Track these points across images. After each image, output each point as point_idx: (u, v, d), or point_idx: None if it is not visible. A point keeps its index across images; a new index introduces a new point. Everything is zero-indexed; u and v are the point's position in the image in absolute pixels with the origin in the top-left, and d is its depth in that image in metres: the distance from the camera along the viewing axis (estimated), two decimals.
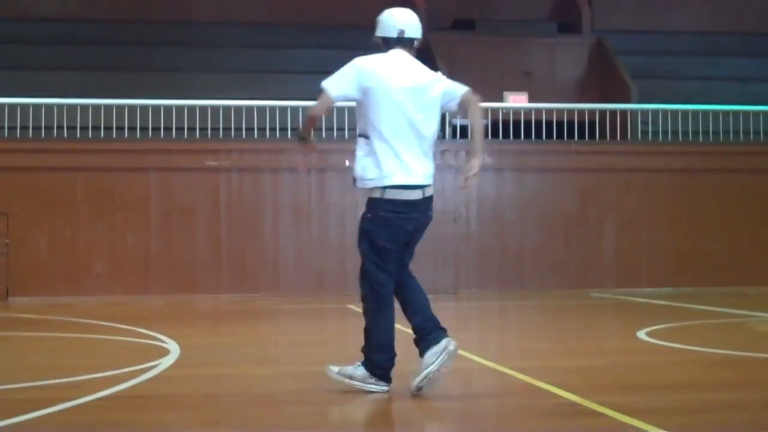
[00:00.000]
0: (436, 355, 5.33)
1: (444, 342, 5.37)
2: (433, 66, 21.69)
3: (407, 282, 5.67)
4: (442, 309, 14.18)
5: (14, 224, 15.74)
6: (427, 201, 5.63)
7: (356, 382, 5.51)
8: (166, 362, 7.15)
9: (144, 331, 9.70)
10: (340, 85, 5.68)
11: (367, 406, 5.30)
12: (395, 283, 5.62)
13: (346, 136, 17.16)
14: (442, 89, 5.79)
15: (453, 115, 18.23)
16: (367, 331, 5.56)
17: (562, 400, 5.43)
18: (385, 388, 5.48)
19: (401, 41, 5.76)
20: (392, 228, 5.51)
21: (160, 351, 7.85)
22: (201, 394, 5.88)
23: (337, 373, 5.62)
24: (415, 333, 5.52)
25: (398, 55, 5.73)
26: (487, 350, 8.10)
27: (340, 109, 17.12)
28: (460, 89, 5.90)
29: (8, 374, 6.59)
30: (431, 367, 5.32)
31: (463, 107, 5.92)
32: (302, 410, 5.28)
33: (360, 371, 5.53)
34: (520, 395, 5.66)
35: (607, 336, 9.99)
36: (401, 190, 5.49)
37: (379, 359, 5.48)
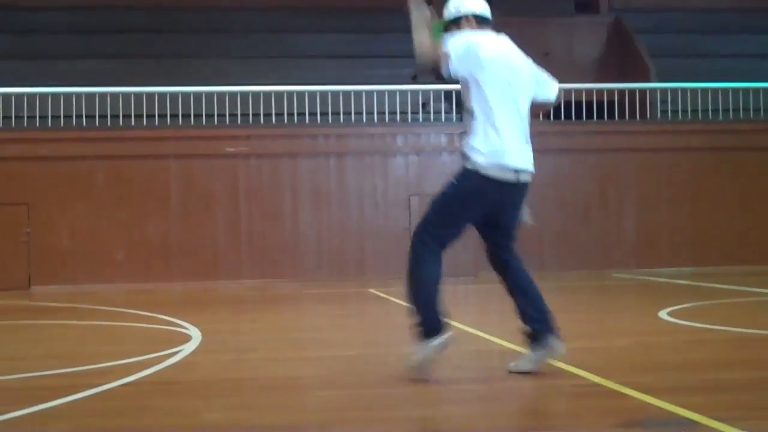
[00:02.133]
0: (539, 358, 5.47)
1: (551, 345, 5.45)
2: None
3: (513, 265, 5.70)
4: (462, 292, 14.25)
5: (35, 214, 15.85)
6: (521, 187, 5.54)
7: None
8: (189, 348, 7.18)
9: (166, 317, 9.75)
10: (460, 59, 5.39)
11: (391, 390, 5.31)
12: (505, 267, 5.66)
13: (364, 119, 17.16)
14: (533, 76, 5.67)
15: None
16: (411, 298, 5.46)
17: (584, 381, 5.42)
18: (443, 336, 5.35)
19: (489, 22, 5.64)
20: (469, 199, 5.43)
21: (182, 337, 7.89)
22: (224, 379, 5.90)
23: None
24: (526, 323, 5.55)
25: (497, 35, 5.60)
26: (506, 332, 8.09)
27: (358, 94, 17.11)
28: (552, 83, 5.81)
29: (33, 362, 6.65)
30: (528, 365, 5.47)
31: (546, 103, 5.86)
32: (326, 395, 5.30)
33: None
34: (542, 376, 5.65)
35: (628, 316, 9.96)
36: (497, 169, 5.37)
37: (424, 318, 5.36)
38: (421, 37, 5.53)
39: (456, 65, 5.36)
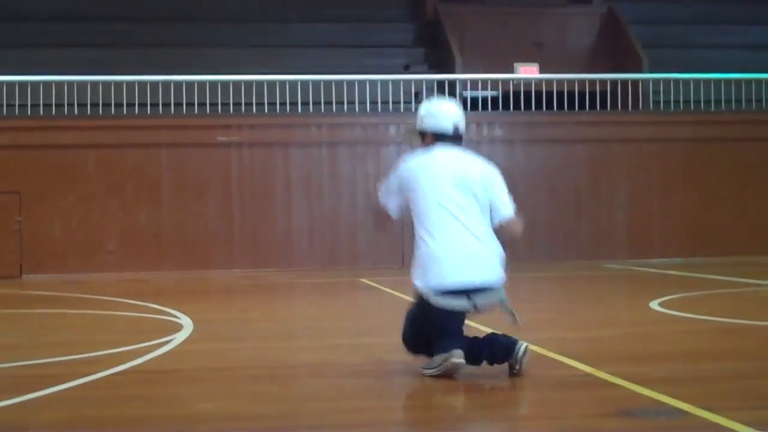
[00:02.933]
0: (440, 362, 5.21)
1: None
2: (443, 38, 21.58)
3: None
4: None
5: (26, 202, 15.81)
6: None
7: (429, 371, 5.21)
8: (180, 337, 7.18)
9: (157, 306, 9.74)
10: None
11: (382, 380, 5.31)
12: None
13: (356, 109, 17.14)
14: (487, 189, 5.36)
15: (464, 87, 18.20)
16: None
17: (575, 371, 5.44)
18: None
19: (455, 137, 5.47)
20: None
21: (173, 326, 7.89)
22: (216, 368, 5.90)
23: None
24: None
25: (448, 150, 5.42)
26: (498, 322, 8.10)
27: (350, 83, 17.08)
28: (506, 206, 5.44)
29: (25, 351, 6.63)
30: (430, 371, 5.22)
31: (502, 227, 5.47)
32: (317, 384, 5.30)
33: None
34: (533, 366, 5.67)
35: (619, 307, 9.99)
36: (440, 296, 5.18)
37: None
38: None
39: (385, 200, 5.48)
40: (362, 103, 17.11)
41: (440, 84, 18.49)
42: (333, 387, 5.18)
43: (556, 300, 10.74)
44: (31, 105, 16.18)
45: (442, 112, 5.54)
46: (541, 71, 18.45)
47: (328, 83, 16.88)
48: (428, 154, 5.42)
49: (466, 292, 5.13)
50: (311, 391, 5.12)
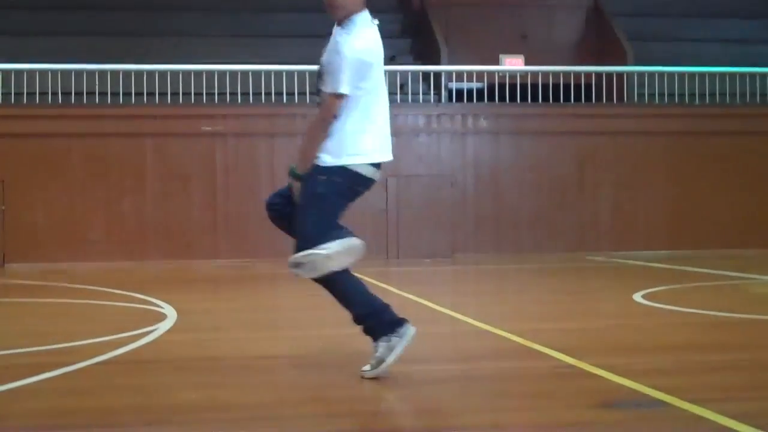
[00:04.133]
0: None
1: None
2: (429, 29, 21.54)
3: None
4: (438, 273, 14.28)
5: (9, 191, 15.72)
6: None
7: (391, 357, 4.87)
8: (164, 327, 7.16)
9: (141, 296, 9.71)
10: None
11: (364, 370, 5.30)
12: None
13: None
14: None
15: (449, 78, 18.18)
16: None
17: (558, 363, 5.44)
18: (409, 329, 4.90)
19: None
20: None
21: (157, 316, 7.86)
22: (199, 358, 5.89)
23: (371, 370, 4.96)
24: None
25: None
26: (483, 313, 8.11)
27: (312, 73, 17.02)
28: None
29: (6, 340, 6.59)
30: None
31: None
32: (300, 374, 5.29)
33: (380, 345, 4.89)
34: (517, 358, 5.67)
35: (603, 299, 10.01)
36: None
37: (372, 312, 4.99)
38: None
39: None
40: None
41: (425, 75, 18.47)
42: (316, 377, 5.17)
43: (540, 292, 10.75)
44: (15, 93, 16.08)
45: None
46: (527, 63, 18.47)
47: (313, 73, 16.78)
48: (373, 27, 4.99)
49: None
50: (294, 380, 5.11)
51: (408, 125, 17.07)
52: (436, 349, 6.16)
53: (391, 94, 17.11)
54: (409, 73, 18.08)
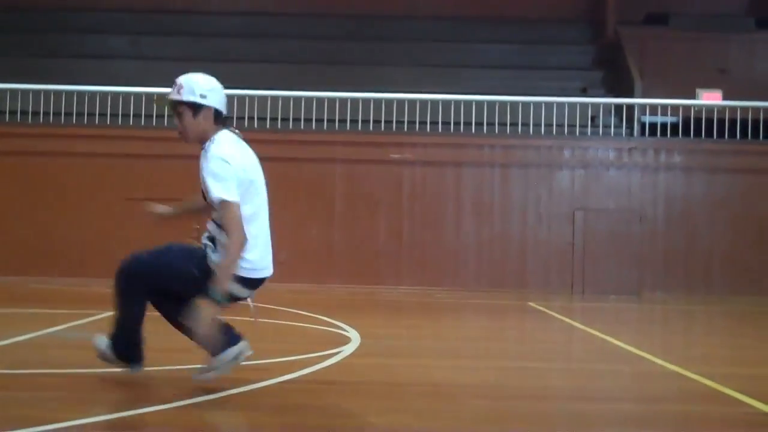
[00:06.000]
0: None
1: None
2: (623, 61, 21.20)
3: None
4: (624, 310, 13.89)
5: None
6: None
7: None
8: (348, 350, 7.27)
9: (326, 318, 9.90)
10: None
11: (546, 404, 5.23)
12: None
13: (531, 131, 17.06)
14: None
15: (642, 111, 17.79)
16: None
17: (751, 409, 5.20)
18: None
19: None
20: None
21: (341, 339, 8.00)
22: (381, 382, 5.95)
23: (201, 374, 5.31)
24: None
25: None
26: (670, 354, 7.85)
27: (526, 105, 16.98)
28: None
29: (194, 356, 6.85)
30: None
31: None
32: (481, 404, 5.27)
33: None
34: (706, 401, 5.45)
35: None
36: None
37: None
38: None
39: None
40: (536, 125, 16.99)
41: (618, 108, 18.14)
42: (496, 408, 5.14)
43: (732, 335, 10.32)
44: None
45: (215, 85, 5.07)
46: (725, 97, 17.85)
47: (503, 104, 16.84)
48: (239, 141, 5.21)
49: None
50: (474, 411, 5.08)
51: (598, 158, 16.81)
52: (619, 387, 6.01)
53: (581, 126, 16.93)
54: (601, 105, 17.82)
